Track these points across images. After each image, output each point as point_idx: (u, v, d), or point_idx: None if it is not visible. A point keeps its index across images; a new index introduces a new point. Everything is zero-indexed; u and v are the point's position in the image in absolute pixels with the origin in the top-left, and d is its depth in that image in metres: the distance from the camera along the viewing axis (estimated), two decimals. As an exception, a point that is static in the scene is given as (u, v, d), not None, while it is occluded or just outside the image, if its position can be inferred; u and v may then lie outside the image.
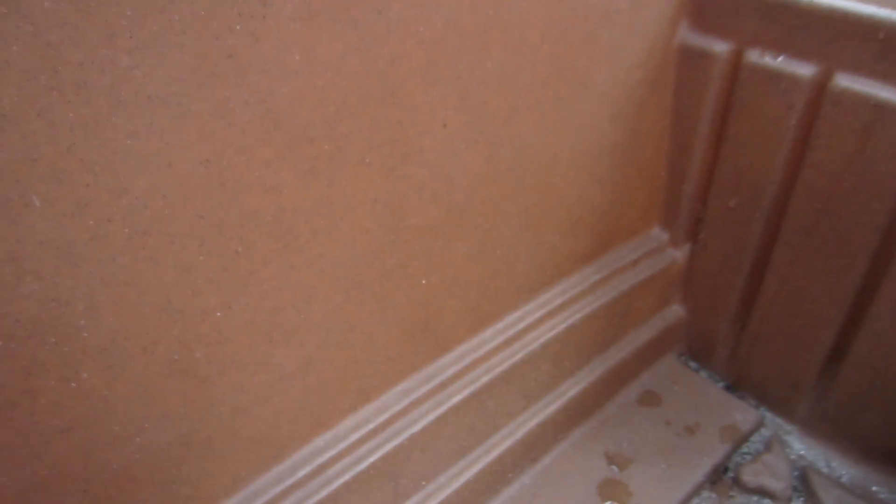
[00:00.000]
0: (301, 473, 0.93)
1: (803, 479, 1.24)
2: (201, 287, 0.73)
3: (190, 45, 0.62)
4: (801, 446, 1.32)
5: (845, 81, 1.01)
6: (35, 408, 0.65)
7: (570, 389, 1.29)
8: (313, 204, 0.79)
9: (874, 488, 1.22)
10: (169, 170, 0.65)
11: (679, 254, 1.42)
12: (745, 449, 1.32)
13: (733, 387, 1.45)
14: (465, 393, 1.09)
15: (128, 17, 0.57)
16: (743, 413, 1.36)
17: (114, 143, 0.61)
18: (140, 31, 0.58)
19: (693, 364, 1.51)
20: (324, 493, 0.93)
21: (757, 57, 1.10)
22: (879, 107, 0.98)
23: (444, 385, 1.07)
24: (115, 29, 0.57)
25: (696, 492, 1.23)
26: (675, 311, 1.49)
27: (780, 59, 1.08)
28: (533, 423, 1.22)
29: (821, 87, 1.05)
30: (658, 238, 1.43)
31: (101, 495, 0.75)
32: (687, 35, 1.19)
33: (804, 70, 1.05)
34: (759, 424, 1.36)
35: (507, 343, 1.16)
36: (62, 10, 0.53)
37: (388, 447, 1.00)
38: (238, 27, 0.64)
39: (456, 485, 1.11)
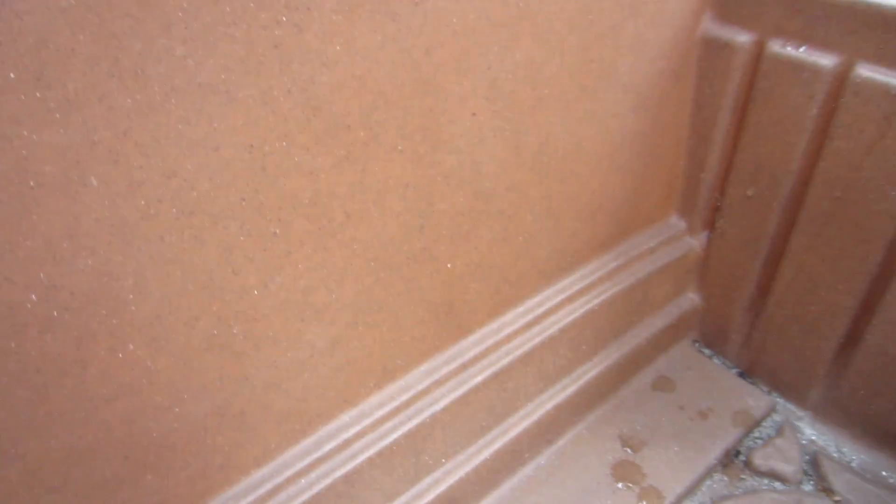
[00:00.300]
0: (327, 448, 0.96)
1: (814, 464, 1.27)
2: (241, 266, 0.76)
3: (239, 35, 0.64)
4: (812, 432, 1.35)
5: (866, 72, 1.03)
6: (85, 376, 0.69)
7: (587, 373, 1.32)
8: (348, 189, 0.82)
9: (884, 473, 1.25)
10: (215, 154, 0.68)
11: (696, 242, 1.44)
12: (756, 434, 1.35)
13: (746, 373, 1.47)
14: (486, 374, 1.12)
15: (184, 8, 0.60)
16: (755, 399, 1.39)
17: (166, 127, 0.64)
18: (194, 23, 0.61)
19: (707, 351, 1.54)
20: (348, 467, 0.97)
21: (779, 48, 1.12)
22: (900, 98, 1.00)
23: (465, 366, 1.10)
24: (172, 20, 0.59)
25: (707, 474, 1.26)
26: (691, 298, 1.52)
27: (802, 49, 1.10)
28: (550, 405, 1.25)
29: (842, 78, 1.06)
30: (676, 226, 1.45)
31: (141, 461, 0.78)
32: (710, 26, 1.21)
33: (826, 61, 1.07)
34: (772, 410, 1.38)
35: (527, 327, 1.19)
36: (125, 2, 0.56)
37: (411, 425, 1.03)
38: (284, 19, 0.67)
39: (474, 463, 1.14)
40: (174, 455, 0.81)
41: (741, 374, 1.47)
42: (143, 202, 0.65)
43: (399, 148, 0.85)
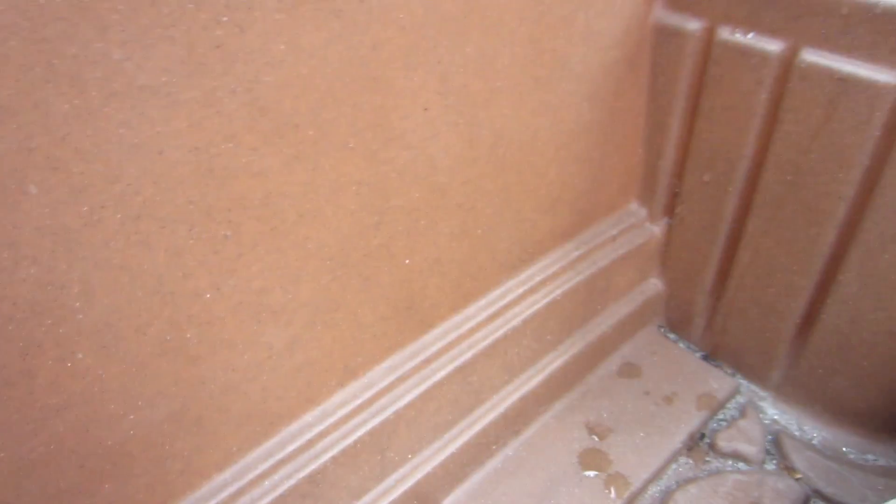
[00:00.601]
0: (290, 448, 0.96)
1: (776, 443, 1.29)
2: (191, 269, 0.75)
3: (179, 37, 0.64)
4: (774, 411, 1.37)
5: (811, 56, 1.04)
6: (33, 387, 0.68)
7: (552, 363, 1.32)
8: (299, 188, 0.82)
9: (844, 449, 1.28)
10: (159, 157, 0.67)
11: (657, 228, 1.46)
12: (720, 416, 1.37)
13: (710, 356, 1.49)
14: (449, 368, 1.12)
15: (119, 11, 0.59)
16: (719, 381, 1.41)
17: (106, 132, 0.63)
18: (131, 25, 0.60)
19: (672, 335, 1.55)
20: (312, 466, 0.97)
21: (728, 34, 1.13)
22: (843, 80, 1.01)
23: (428, 361, 1.10)
24: (107, 23, 0.59)
25: (673, 458, 1.27)
26: (654, 284, 1.53)
27: (750, 35, 1.11)
28: (516, 396, 1.25)
29: (788, 63, 1.08)
30: (636, 213, 1.47)
31: (97, 470, 0.77)
32: (661, 14, 1.22)
33: (772, 46, 1.08)
34: (735, 392, 1.40)
35: (490, 319, 1.19)
36: (57, 6, 0.55)
37: (375, 422, 1.03)
38: (225, 19, 0.66)
39: (441, 457, 1.14)
40: (132, 462, 0.80)
41: (705, 357, 1.49)
42: (85, 208, 0.64)
43: (350, 145, 0.85)
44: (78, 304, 0.67)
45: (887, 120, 1.00)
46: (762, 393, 1.41)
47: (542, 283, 1.27)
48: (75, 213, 0.64)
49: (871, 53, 0.98)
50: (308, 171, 0.82)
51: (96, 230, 0.66)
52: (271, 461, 0.94)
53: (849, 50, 1.01)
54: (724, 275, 1.38)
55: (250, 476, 0.92)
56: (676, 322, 1.54)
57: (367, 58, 0.81)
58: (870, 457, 1.27)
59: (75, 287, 0.67)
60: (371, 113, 0.85)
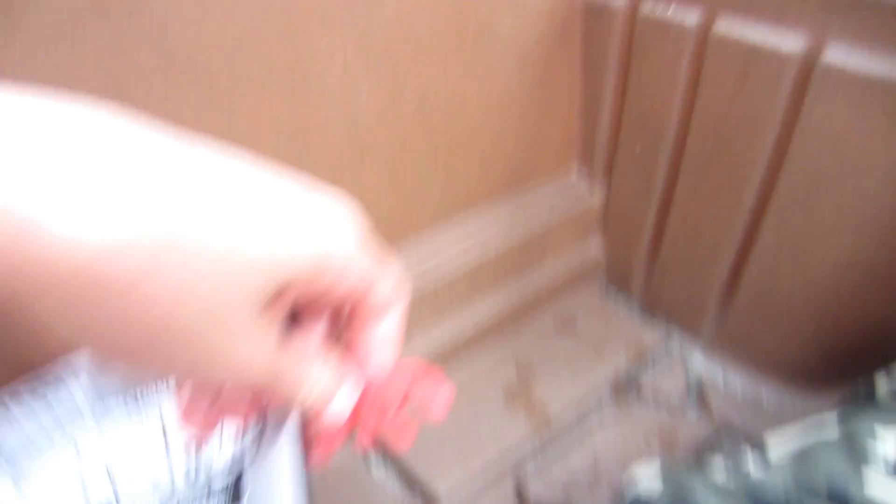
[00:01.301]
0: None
1: (699, 390, 1.37)
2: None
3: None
4: (702, 360, 1.45)
5: (724, 27, 1.10)
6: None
7: (486, 311, 1.40)
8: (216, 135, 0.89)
9: (762, 395, 1.36)
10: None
11: (596, 194, 1.52)
12: (650, 364, 1.44)
13: (648, 310, 1.57)
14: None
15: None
16: (651, 333, 1.49)
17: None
18: None
19: (613, 291, 1.63)
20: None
21: (650, 8, 1.19)
22: (752, 50, 1.07)
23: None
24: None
25: (598, 404, 1.34)
26: (595, 244, 1.60)
27: (671, 9, 1.17)
28: (446, 338, 1.33)
29: (704, 34, 1.13)
30: (576, 180, 1.53)
31: None
32: (588, -12, 1.28)
33: (690, 18, 1.14)
34: (666, 342, 1.48)
35: (421, 262, 1.25)
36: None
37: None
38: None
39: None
40: None
41: (642, 311, 1.57)
42: None
43: (268, 95, 0.91)
44: None
45: (793, 88, 1.06)
46: (692, 343, 1.48)
47: (478, 230, 1.33)
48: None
49: (778, 18, 1.04)
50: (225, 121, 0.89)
51: None
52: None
53: (758, 18, 1.06)
54: (658, 236, 1.45)
55: None
56: (617, 278, 1.61)
57: (280, 14, 0.88)
58: (786, 403, 1.34)
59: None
60: (287, 68, 0.92)
